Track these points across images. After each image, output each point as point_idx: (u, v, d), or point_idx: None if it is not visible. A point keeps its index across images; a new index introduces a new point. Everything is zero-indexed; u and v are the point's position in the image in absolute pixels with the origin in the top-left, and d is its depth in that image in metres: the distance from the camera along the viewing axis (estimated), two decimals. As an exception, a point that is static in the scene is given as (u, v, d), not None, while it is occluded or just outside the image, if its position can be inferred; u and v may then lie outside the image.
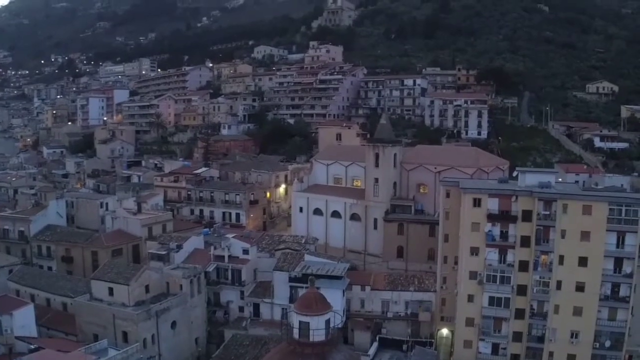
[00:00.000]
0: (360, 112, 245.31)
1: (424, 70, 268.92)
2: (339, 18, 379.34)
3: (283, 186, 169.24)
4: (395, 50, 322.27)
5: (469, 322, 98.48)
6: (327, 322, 55.25)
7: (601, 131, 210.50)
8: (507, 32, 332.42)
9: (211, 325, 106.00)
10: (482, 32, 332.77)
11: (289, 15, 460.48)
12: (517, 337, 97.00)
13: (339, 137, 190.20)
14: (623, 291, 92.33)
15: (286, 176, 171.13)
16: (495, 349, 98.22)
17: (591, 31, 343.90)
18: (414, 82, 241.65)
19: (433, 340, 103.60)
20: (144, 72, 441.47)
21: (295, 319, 55.14)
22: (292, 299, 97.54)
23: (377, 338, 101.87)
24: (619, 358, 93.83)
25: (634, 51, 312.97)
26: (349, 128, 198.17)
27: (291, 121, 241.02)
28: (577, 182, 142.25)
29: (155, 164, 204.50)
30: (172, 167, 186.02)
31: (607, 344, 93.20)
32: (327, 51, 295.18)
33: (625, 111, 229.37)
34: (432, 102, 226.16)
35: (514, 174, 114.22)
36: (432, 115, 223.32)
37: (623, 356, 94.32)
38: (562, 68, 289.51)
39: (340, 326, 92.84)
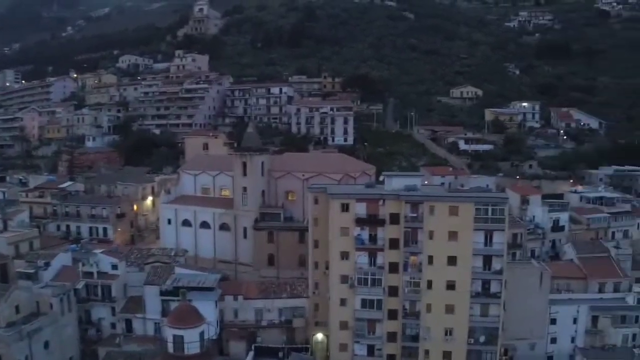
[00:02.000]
0: (227, 121, 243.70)
1: (290, 78, 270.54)
2: (205, 27, 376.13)
3: (150, 198, 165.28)
4: (261, 58, 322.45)
5: (343, 325, 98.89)
6: (201, 334, 54.47)
7: (466, 134, 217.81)
8: (372, 40, 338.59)
9: (84, 344, 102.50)
10: (348, 41, 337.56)
11: (154, 24, 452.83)
12: (391, 337, 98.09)
13: (206, 146, 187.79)
14: (494, 287, 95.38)
15: (153, 188, 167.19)
16: (370, 350, 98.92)
17: (456, 38, 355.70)
18: (280, 90, 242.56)
19: (309, 346, 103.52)
20: (7, 84, 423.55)
21: (168, 333, 53.99)
22: (164, 313, 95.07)
23: (253, 347, 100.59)
24: (494, 352, 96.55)
25: (497, 56, 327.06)
26: (216, 137, 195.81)
27: (157, 132, 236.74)
28: (443, 184, 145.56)
29: (20, 180, 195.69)
30: (37, 182, 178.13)
31: (482, 339, 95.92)
32: (193, 60, 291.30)
33: (489, 114, 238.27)
34: (298, 109, 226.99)
35: (381, 178, 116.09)
36: (298, 123, 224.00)
37: (498, 350, 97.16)
38: (427, 74, 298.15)
39: (214, 337, 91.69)
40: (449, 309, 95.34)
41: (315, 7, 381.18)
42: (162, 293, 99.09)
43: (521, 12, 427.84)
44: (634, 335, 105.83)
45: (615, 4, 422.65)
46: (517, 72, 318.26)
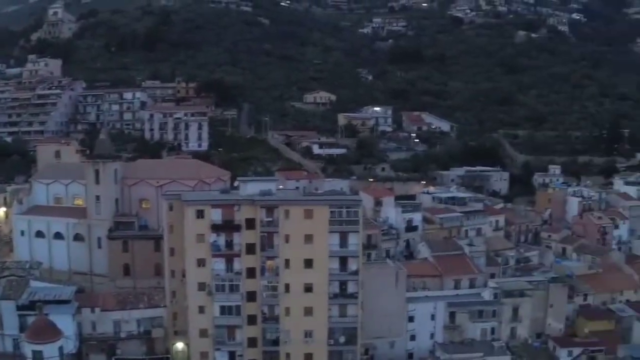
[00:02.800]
0: (80, 127, 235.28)
1: (143, 83, 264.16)
2: (59, 30, 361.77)
3: (3, 209, 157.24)
4: (115, 63, 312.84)
5: (203, 333, 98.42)
6: (60, 348, 52.69)
7: (319, 139, 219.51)
8: (227, 45, 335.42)
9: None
10: (203, 45, 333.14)
11: (8, 27, 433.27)
12: (252, 342, 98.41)
13: (58, 154, 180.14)
14: (351, 288, 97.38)
15: (5, 198, 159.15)
16: (232, 357, 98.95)
17: (310, 44, 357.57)
18: (133, 95, 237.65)
19: (169, 356, 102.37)
20: None
21: (27, 349, 51.72)
22: (22, 328, 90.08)
23: None
24: (354, 352, 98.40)
25: (351, 62, 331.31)
26: (68, 145, 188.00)
27: (9, 139, 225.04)
28: (297, 188, 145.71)
29: None
30: None
31: (342, 339, 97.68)
32: (46, 65, 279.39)
33: (342, 119, 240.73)
34: (151, 115, 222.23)
35: (236, 184, 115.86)
36: (152, 129, 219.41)
37: (358, 350, 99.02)
38: (282, 79, 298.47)
39: (74, 352, 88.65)
40: (308, 311, 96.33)
41: (171, 11, 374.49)
42: (18, 308, 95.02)
43: (375, 19, 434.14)
44: (493, 329, 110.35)
45: (468, 11, 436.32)
46: (370, 77, 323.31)
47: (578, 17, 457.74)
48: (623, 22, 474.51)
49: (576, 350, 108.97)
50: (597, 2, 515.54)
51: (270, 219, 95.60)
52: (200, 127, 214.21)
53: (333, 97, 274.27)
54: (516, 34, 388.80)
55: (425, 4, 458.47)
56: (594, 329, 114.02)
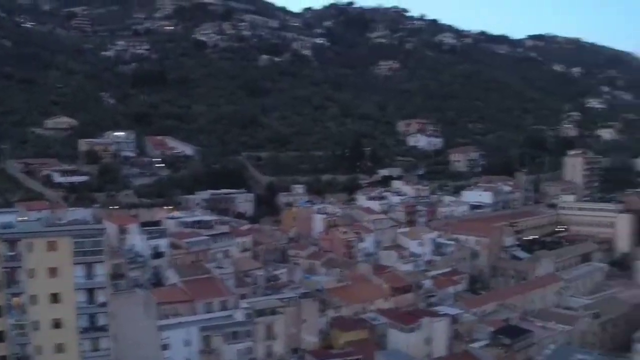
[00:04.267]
0: None
1: None
2: None
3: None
4: None
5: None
6: None
7: (61, 166, 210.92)
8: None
9: None
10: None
11: None
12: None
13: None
14: (101, 320, 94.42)
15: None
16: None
17: (53, 67, 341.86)
18: None
19: None
20: None
21: None
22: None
23: None
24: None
25: (93, 85, 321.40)
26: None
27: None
28: (40, 219, 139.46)
29: None
30: None
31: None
32: None
33: (83, 145, 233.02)
34: None
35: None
36: None
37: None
38: (22, 104, 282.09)
39: None
40: (59, 348, 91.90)
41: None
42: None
43: (119, 42, 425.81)
44: (249, 349, 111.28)
45: (213, 35, 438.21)
46: (113, 101, 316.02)
47: (322, 42, 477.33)
48: (365, 46, 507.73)
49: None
50: (341, 27, 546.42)
51: (13, 253, 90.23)
52: None
53: (74, 122, 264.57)
54: (260, 58, 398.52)
55: (169, 28, 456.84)
56: (349, 339, 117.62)
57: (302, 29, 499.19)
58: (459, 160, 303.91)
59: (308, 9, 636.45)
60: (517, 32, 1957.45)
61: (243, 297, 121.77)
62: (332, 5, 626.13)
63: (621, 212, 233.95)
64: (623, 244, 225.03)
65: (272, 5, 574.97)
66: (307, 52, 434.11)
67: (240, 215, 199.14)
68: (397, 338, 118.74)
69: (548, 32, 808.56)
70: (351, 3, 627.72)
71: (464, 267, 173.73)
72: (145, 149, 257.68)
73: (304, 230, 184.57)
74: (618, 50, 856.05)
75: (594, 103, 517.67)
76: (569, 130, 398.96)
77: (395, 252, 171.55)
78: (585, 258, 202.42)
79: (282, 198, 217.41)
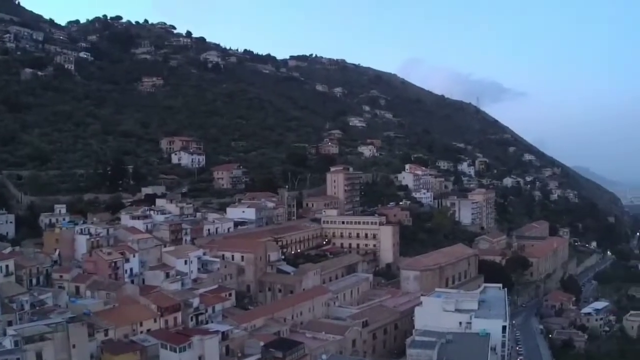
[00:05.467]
0: None
1: None
2: None
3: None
4: None
5: None
6: None
7: None
8: None
9: None
10: None
11: None
12: None
13: None
14: None
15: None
16: None
17: None
18: None
19: None
20: None
21: None
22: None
23: None
24: None
25: None
26: None
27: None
28: None
29: None
30: None
31: None
32: None
33: None
34: None
35: None
36: None
37: None
38: None
39: None
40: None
41: None
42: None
43: None
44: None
45: None
46: None
47: (86, 56, 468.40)
48: (130, 61, 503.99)
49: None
50: (106, 42, 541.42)
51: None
52: None
53: None
54: (22, 72, 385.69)
55: None
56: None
57: (66, 43, 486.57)
58: (223, 177, 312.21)
59: (74, 22, 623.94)
60: (283, 52, 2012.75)
61: (10, 323, 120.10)
62: (97, 20, 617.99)
63: (383, 224, 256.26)
64: (387, 254, 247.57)
65: (40, 17, 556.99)
66: (70, 66, 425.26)
67: (1, 238, 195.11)
68: (170, 358, 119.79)
69: (313, 53, 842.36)
70: (119, 17, 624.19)
71: (231, 283, 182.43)
72: None
73: (68, 252, 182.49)
74: (381, 72, 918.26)
75: (355, 121, 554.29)
76: (331, 147, 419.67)
77: (161, 272, 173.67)
78: (351, 269, 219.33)
79: (44, 219, 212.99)
